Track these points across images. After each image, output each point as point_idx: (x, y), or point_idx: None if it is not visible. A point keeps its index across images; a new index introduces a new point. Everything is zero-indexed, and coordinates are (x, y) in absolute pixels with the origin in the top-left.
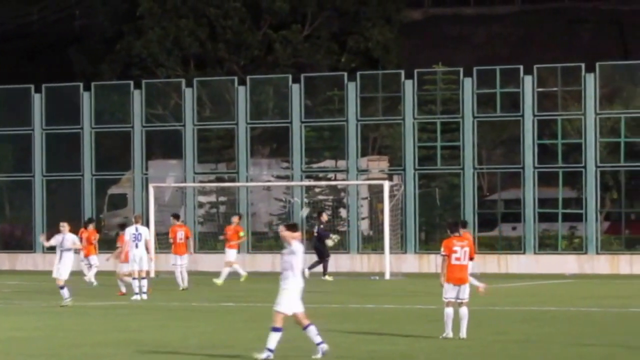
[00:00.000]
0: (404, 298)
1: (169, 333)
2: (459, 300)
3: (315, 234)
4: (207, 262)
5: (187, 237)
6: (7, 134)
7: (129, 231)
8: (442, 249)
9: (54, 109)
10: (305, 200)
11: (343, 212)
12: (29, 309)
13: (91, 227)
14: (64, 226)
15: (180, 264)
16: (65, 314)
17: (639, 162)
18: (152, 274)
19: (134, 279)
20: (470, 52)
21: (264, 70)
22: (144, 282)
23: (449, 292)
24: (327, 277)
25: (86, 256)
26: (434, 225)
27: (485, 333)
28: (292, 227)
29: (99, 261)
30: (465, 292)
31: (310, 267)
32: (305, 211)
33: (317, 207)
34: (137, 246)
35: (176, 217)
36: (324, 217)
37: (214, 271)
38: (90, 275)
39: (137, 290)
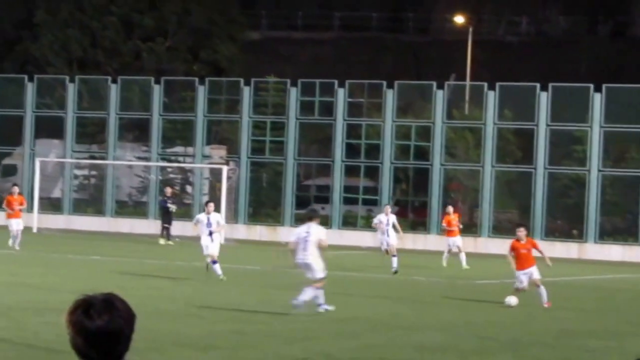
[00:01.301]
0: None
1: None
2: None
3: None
4: (79, 223)
5: (21, 204)
6: None
7: (201, 219)
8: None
9: None
10: (160, 177)
11: (189, 189)
12: None
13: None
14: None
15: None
16: None
17: (425, 161)
18: (35, 230)
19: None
20: (297, 67)
21: (132, 72)
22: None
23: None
24: (161, 241)
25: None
26: (261, 203)
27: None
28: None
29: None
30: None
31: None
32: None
33: (168, 183)
34: (210, 233)
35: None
36: (168, 190)
37: (84, 230)
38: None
39: (219, 272)
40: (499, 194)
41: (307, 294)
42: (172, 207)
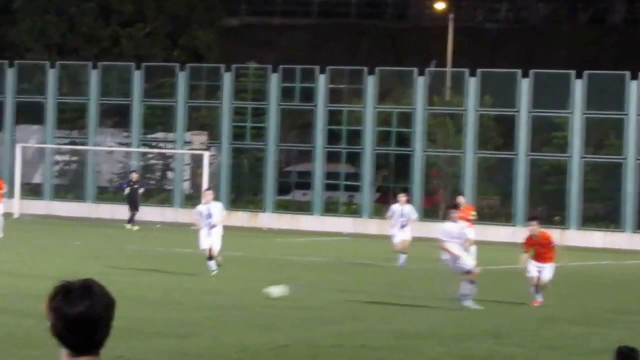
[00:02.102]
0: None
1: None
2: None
3: (127, 191)
4: (60, 209)
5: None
6: None
7: (200, 210)
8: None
9: None
10: (142, 163)
11: (170, 175)
12: None
13: None
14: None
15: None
16: None
17: (406, 148)
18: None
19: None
20: (277, 53)
21: (112, 59)
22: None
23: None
24: (128, 227)
25: None
26: (242, 189)
27: (277, 277)
28: None
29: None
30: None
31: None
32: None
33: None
34: (210, 227)
35: None
36: (134, 176)
37: (65, 216)
38: None
39: (213, 268)
40: (479, 180)
41: (464, 288)
42: (141, 191)
